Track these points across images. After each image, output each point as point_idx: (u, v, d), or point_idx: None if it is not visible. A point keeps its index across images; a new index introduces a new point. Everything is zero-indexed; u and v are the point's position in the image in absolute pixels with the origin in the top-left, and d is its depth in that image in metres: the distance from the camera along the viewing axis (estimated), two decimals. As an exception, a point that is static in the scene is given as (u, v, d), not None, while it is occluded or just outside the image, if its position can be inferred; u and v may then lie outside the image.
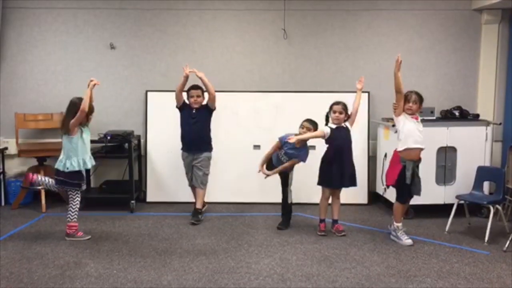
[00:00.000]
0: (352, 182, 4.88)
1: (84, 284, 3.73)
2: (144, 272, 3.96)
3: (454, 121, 5.59)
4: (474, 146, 5.39)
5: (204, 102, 5.34)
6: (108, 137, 5.55)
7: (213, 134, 5.48)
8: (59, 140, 5.99)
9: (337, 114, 4.79)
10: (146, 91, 6.08)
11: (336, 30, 6.10)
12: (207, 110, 5.32)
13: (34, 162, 5.84)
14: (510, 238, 4.48)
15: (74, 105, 4.61)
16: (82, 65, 6.08)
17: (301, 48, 6.11)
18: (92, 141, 5.64)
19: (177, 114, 5.73)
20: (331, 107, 4.87)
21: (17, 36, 6.02)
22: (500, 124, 5.90)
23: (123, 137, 5.63)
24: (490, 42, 6.05)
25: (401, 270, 4.03)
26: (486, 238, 4.65)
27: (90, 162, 4.73)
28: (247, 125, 6.01)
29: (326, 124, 4.89)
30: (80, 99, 4.60)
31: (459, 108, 5.76)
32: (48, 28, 6.03)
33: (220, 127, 5.88)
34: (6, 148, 5.95)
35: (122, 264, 4.11)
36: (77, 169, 4.63)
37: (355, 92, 4.89)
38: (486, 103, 6.11)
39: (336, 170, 4.79)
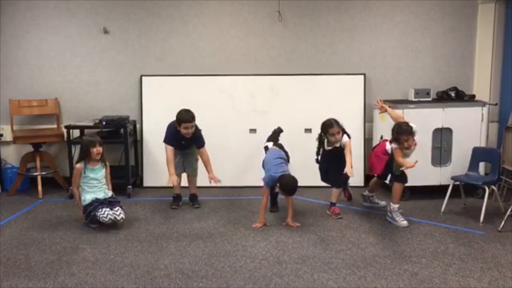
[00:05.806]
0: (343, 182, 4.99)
1: (81, 269, 3.75)
2: (141, 256, 3.98)
3: (450, 102, 5.57)
4: (470, 127, 5.37)
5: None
6: (104, 123, 5.53)
7: (209, 117, 5.46)
8: (54, 126, 6.06)
9: (335, 136, 4.71)
10: (141, 76, 6.03)
11: (331, 11, 6.02)
12: (197, 134, 5.10)
13: (29, 148, 5.82)
14: (505, 218, 4.50)
15: (81, 147, 4.70)
16: (76, 50, 6.02)
17: (296, 30, 6.05)
18: (87, 127, 5.70)
19: (172, 98, 5.79)
20: (326, 131, 4.73)
21: (9, 21, 5.95)
22: (496, 104, 5.88)
23: (118, 122, 5.61)
24: (487, 22, 5.99)
25: (397, 251, 4.06)
26: (481, 219, 4.68)
27: (91, 197, 4.66)
28: (243, 108, 5.98)
29: (320, 145, 4.88)
30: (87, 140, 4.71)
31: (455, 89, 5.74)
32: (40, 12, 5.95)
33: (215, 111, 5.86)
34: (1, 135, 5.92)
35: (119, 249, 4.13)
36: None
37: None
38: (483, 84, 6.07)
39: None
